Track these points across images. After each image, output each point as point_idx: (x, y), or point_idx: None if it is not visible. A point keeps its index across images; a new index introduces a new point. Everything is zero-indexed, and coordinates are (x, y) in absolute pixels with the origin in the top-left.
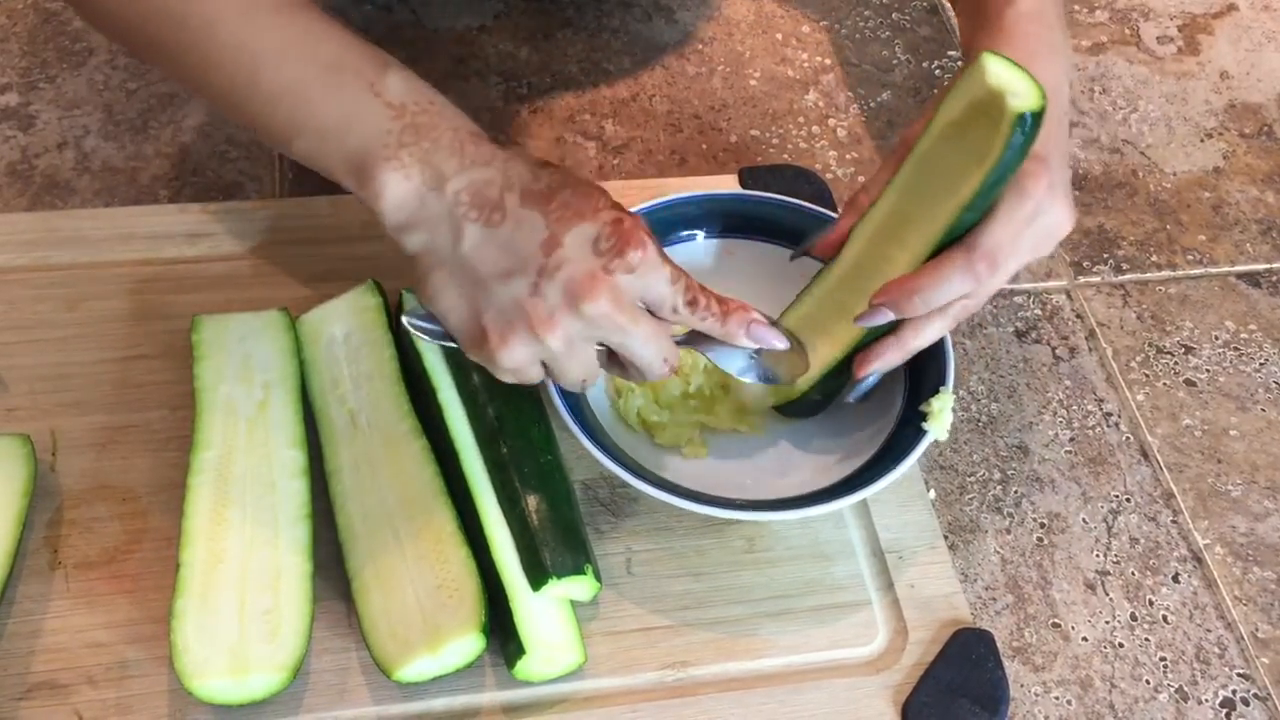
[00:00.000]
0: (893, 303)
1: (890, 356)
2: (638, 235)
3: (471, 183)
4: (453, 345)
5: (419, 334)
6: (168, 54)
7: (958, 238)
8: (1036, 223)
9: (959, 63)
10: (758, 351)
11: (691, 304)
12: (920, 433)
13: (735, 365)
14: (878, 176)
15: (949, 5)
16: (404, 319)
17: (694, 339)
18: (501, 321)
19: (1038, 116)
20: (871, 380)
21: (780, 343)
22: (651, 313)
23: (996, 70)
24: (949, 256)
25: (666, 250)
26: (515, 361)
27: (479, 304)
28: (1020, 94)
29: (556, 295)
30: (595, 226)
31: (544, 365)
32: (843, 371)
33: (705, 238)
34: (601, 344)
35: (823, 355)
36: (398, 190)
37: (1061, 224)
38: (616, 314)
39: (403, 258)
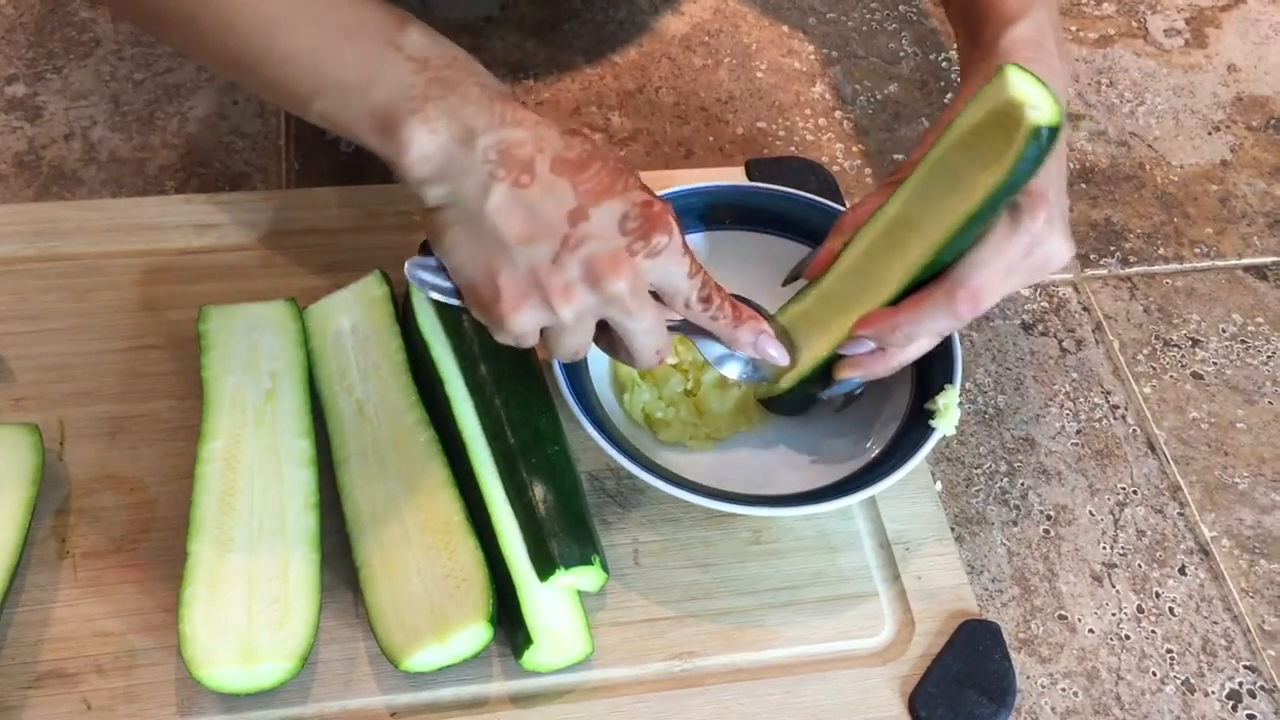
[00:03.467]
0: (874, 334)
1: (873, 368)
2: (665, 220)
3: (502, 141)
4: (454, 302)
5: (420, 285)
6: (179, 20)
7: (947, 262)
8: (1031, 256)
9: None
10: None
11: (705, 301)
12: (928, 428)
13: (715, 354)
14: (871, 198)
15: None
16: (407, 267)
17: (686, 326)
18: (517, 286)
19: (1054, 132)
20: (850, 384)
21: (782, 359)
22: (660, 301)
23: (1018, 82)
24: (931, 293)
25: None
26: (522, 327)
27: (496, 264)
28: (1040, 108)
29: (577, 269)
30: (624, 205)
31: (542, 332)
32: (829, 371)
33: (710, 230)
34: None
35: (814, 352)
36: (424, 144)
37: (1057, 257)
38: (632, 298)
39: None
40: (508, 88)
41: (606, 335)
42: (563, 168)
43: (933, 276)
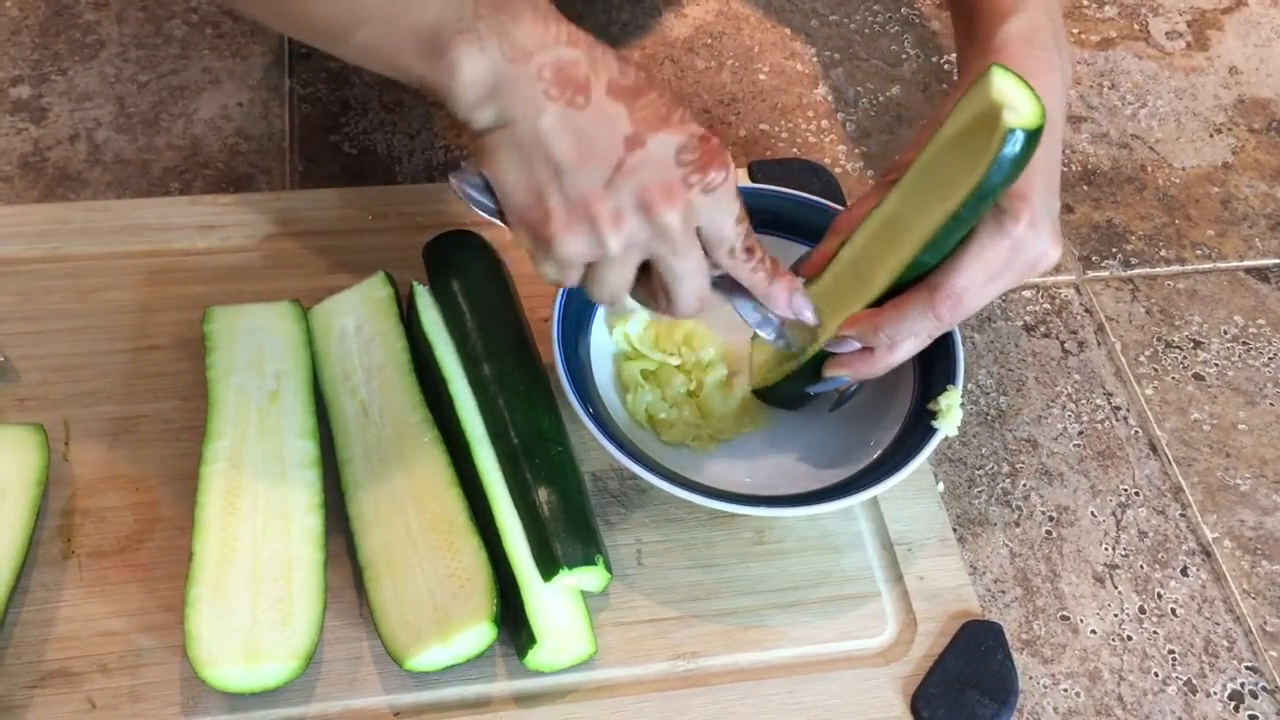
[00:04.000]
0: (858, 334)
1: (860, 369)
2: (724, 156)
3: (557, 60)
4: (499, 223)
5: (467, 198)
6: None
7: (931, 263)
8: (1016, 259)
9: None
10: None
11: (748, 251)
12: (930, 429)
13: (756, 319)
14: (864, 198)
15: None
16: (453, 181)
17: (723, 284)
18: (567, 208)
19: (1032, 135)
20: (838, 382)
21: (812, 318)
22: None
23: (1000, 83)
24: (913, 295)
25: None
26: (570, 251)
27: (546, 185)
28: (1019, 110)
29: (629, 195)
30: (682, 136)
31: (586, 271)
32: (819, 368)
33: None
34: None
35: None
36: (474, 65)
37: (1044, 259)
38: (682, 233)
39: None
40: (558, 10)
41: (646, 284)
42: (619, 92)
43: (919, 277)
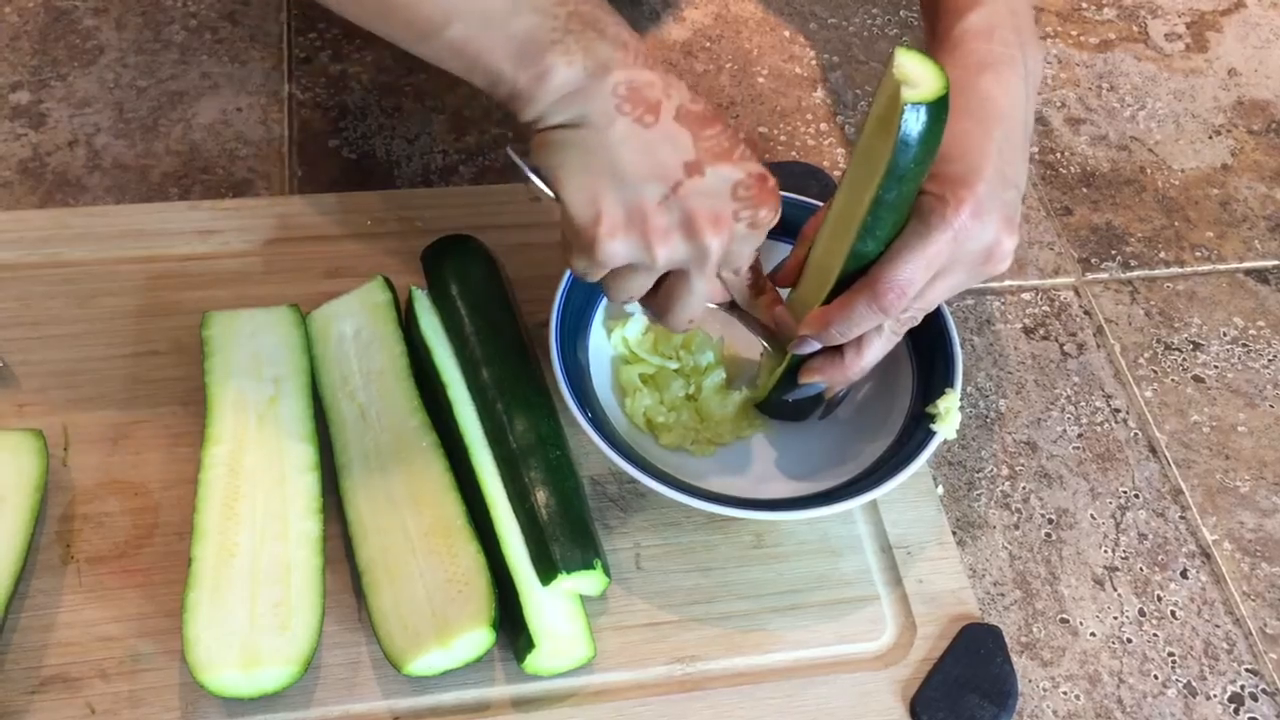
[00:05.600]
0: (814, 335)
1: (831, 373)
2: (777, 199)
3: (634, 79)
4: (548, 194)
5: (526, 169)
6: None
7: (871, 251)
8: (961, 250)
9: None
10: None
11: (753, 270)
12: (929, 433)
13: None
14: (829, 202)
15: None
16: (510, 150)
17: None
18: (619, 215)
19: (935, 108)
20: (814, 388)
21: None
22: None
23: (901, 61)
24: (857, 289)
25: None
26: (612, 254)
27: (604, 191)
28: (919, 85)
29: (680, 216)
30: (741, 172)
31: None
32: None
33: None
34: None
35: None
36: (563, 75)
37: (997, 248)
38: (718, 259)
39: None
40: (638, 36)
41: (650, 291)
42: (687, 119)
43: (865, 269)
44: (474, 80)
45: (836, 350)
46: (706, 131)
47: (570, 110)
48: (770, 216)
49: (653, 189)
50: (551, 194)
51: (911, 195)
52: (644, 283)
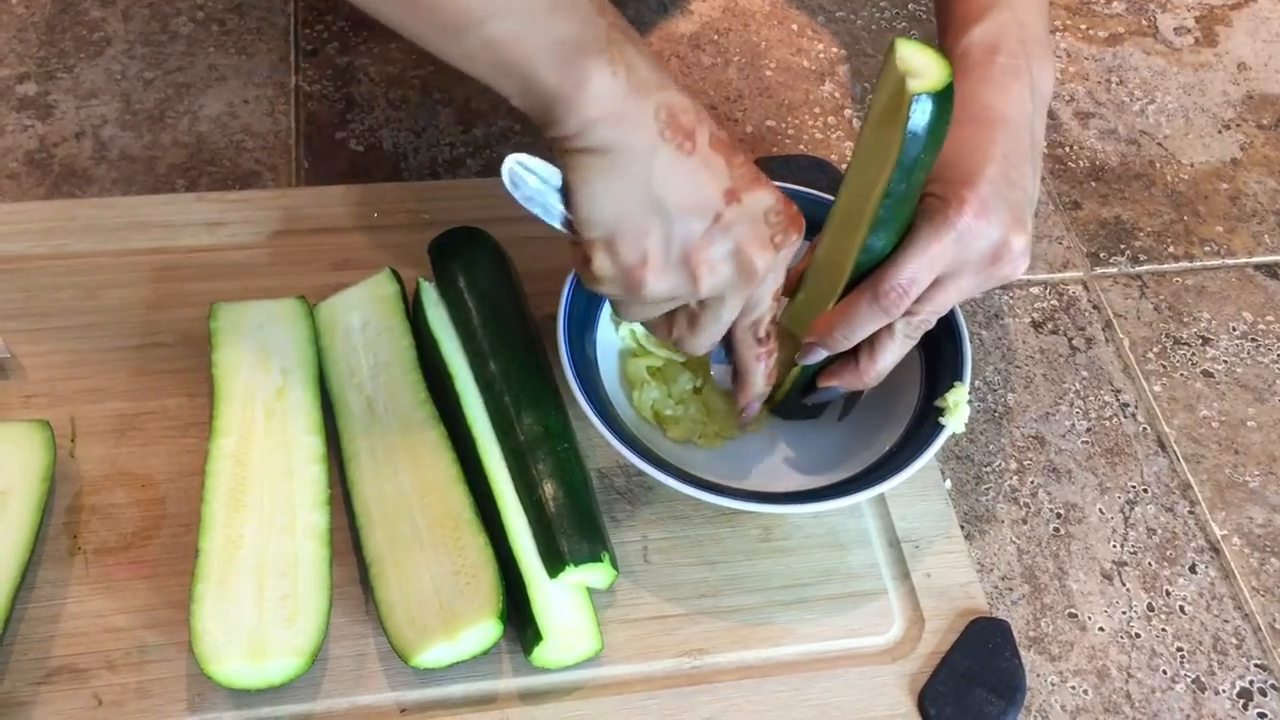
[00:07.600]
0: (820, 341)
1: (847, 379)
2: (802, 222)
3: (670, 104)
4: (556, 226)
5: (523, 197)
6: None
7: (879, 249)
8: (966, 250)
9: None
10: None
11: (766, 324)
12: (937, 426)
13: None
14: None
15: None
16: (512, 159)
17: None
18: (666, 253)
19: (940, 97)
20: (832, 393)
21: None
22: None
23: (903, 53)
24: (859, 292)
25: None
26: (658, 295)
27: (647, 226)
28: (923, 75)
29: (726, 246)
30: (771, 198)
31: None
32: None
33: None
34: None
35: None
36: (603, 83)
37: (1005, 248)
38: (762, 281)
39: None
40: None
41: (667, 317)
42: (719, 146)
43: (876, 267)
44: (500, 85)
45: (851, 356)
46: (737, 159)
47: (611, 133)
48: (798, 239)
49: (696, 222)
50: (558, 226)
51: (920, 186)
52: (666, 309)
